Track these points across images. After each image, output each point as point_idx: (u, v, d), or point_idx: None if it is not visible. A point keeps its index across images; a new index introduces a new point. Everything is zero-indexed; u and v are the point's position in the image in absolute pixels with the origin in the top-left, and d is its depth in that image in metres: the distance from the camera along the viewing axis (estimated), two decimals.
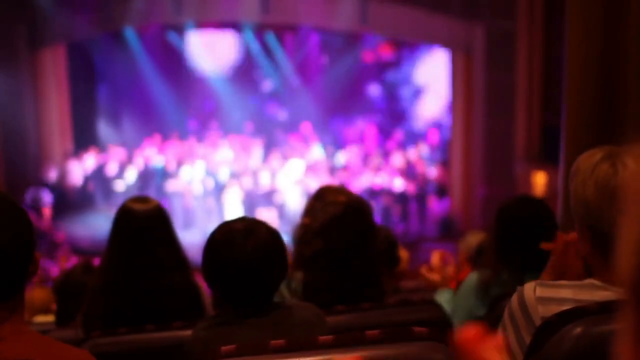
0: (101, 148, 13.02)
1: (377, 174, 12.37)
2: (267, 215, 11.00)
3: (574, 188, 1.53)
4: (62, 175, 12.46)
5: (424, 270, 3.13)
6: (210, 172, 12.33)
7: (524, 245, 2.56)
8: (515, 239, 2.63)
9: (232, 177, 12.09)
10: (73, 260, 9.20)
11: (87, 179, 12.55)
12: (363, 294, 2.42)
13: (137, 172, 12.47)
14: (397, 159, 12.72)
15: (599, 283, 1.52)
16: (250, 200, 11.83)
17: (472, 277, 2.82)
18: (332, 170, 12.53)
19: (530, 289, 1.55)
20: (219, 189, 12.11)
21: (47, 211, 11.42)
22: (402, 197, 12.05)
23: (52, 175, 12.32)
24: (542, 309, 1.51)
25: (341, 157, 12.94)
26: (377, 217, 11.37)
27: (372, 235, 2.46)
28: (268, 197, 12.01)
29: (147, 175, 12.42)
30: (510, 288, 2.28)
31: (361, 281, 2.43)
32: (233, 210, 11.41)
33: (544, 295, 1.53)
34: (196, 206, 11.97)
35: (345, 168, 12.65)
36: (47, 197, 11.66)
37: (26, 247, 1.50)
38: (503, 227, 2.70)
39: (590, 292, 1.52)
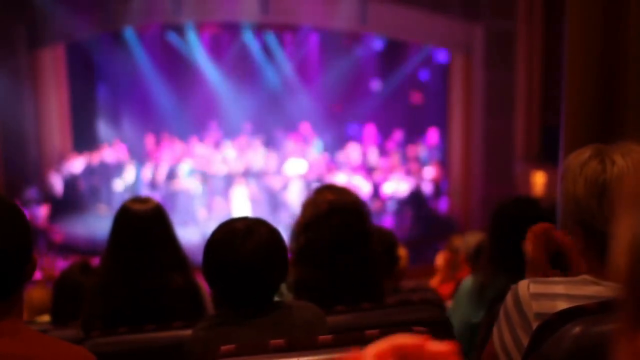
0: (101, 148, 13.02)
1: (376, 174, 12.38)
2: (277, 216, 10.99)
3: (565, 186, 1.55)
4: (61, 174, 12.45)
5: None
6: (209, 172, 12.34)
7: (520, 247, 2.54)
8: (512, 241, 2.61)
9: (235, 177, 12.10)
10: (59, 261, 9.22)
11: (86, 179, 12.55)
12: (358, 294, 2.41)
13: (136, 172, 12.48)
14: (396, 159, 12.72)
15: (591, 278, 1.54)
16: (254, 200, 11.84)
17: (466, 283, 2.80)
18: (332, 169, 12.53)
19: (524, 286, 1.56)
20: (220, 188, 12.11)
21: (44, 211, 11.43)
22: (401, 197, 12.05)
23: (52, 174, 12.32)
24: (535, 305, 1.52)
25: (340, 157, 12.93)
26: (377, 217, 11.40)
27: (363, 235, 2.45)
28: (271, 197, 12.02)
29: (149, 176, 12.43)
30: (507, 290, 2.28)
31: (353, 280, 2.43)
32: (240, 209, 11.41)
33: (537, 292, 1.54)
34: (196, 205, 11.98)
35: (344, 167, 12.65)
36: (45, 197, 11.66)
37: (24, 248, 1.51)
38: (499, 228, 2.68)
39: (583, 287, 1.53)
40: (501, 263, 2.64)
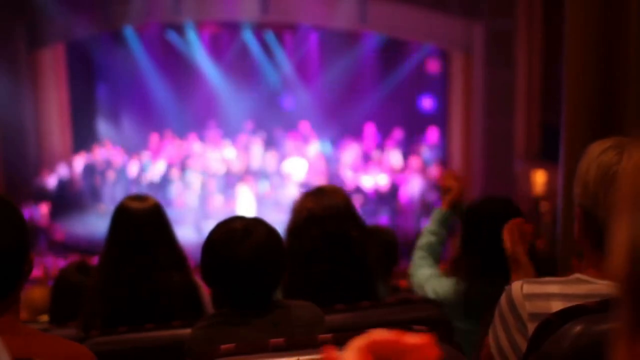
0: (101, 147, 13.02)
1: (376, 172, 12.37)
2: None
3: (579, 168, 1.55)
4: (62, 174, 12.46)
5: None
6: (209, 171, 12.34)
7: (495, 248, 2.47)
8: (487, 244, 2.52)
9: (238, 176, 12.12)
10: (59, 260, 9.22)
11: (85, 178, 12.55)
12: (346, 298, 2.41)
13: (136, 171, 12.48)
14: (396, 158, 12.72)
15: (584, 277, 1.54)
16: (258, 199, 11.85)
17: (446, 287, 2.71)
18: (331, 168, 12.54)
19: (517, 287, 1.56)
20: (219, 187, 12.12)
21: (44, 209, 11.43)
22: (400, 196, 12.05)
23: (52, 173, 12.32)
24: (529, 306, 1.52)
25: (340, 156, 12.94)
26: (375, 216, 11.40)
27: (345, 241, 2.45)
28: (272, 196, 12.03)
29: (148, 174, 12.43)
30: (486, 295, 2.26)
31: (338, 286, 2.43)
32: (244, 208, 11.40)
33: (531, 292, 1.54)
34: (197, 204, 11.98)
35: (343, 166, 12.65)
36: (45, 195, 11.67)
37: (21, 247, 1.51)
38: (473, 231, 2.63)
39: (576, 286, 1.53)
40: (479, 268, 2.58)
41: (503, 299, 1.58)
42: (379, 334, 0.63)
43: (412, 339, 0.62)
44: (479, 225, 2.60)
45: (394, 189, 12.10)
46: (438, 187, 3.35)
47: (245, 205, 11.55)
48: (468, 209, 2.72)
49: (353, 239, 2.45)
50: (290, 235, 2.45)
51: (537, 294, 1.53)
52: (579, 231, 1.58)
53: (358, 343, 0.63)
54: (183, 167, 12.42)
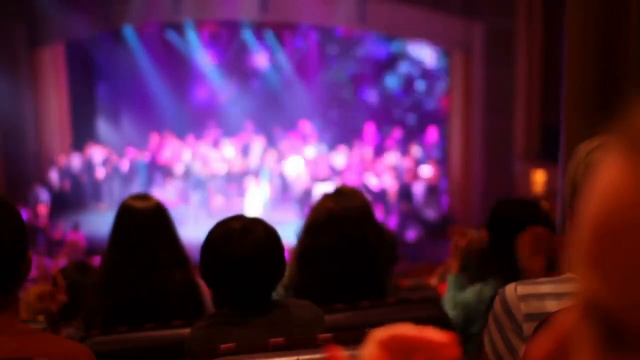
0: (100, 146, 13.02)
1: (375, 172, 12.38)
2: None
3: (568, 170, 1.56)
4: (61, 173, 12.45)
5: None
6: (209, 171, 12.34)
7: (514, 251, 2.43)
8: (508, 245, 2.44)
9: (238, 176, 12.13)
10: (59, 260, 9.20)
11: (83, 177, 12.55)
12: (356, 298, 2.42)
13: (135, 171, 12.48)
14: (395, 157, 12.71)
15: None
16: (263, 198, 11.87)
17: (472, 291, 2.69)
18: (330, 168, 12.54)
19: (511, 289, 1.56)
20: (219, 186, 12.12)
21: (44, 209, 11.42)
22: (400, 195, 12.05)
23: (51, 173, 12.32)
24: (524, 306, 1.53)
25: (339, 155, 12.94)
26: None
27: (362, 242, 2.46)
28: (274, 195, 12.04)
29: (148, 174, 12.43)
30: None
31: (349, 286, 2.44)
32: (253, 208, 11.41)
33: (525, 293, 1.54)
34: (197, 204, 11.98)
35: (343, 166, 12.65)
36: (44, 195, 11.66)
37: (19, 247, 1.51)
38: (496, 230, 2.60)
39: (568, 284, 1.53)
40: (495, 266, 2.56)
41: (497, 302, 1.59)
42: (401, 329, 0.62)
43: (434, 336, 0.61)
44: (507, 228, 2.51)
45: (393, 189, 12.10)
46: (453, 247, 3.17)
47: (255, 204, 11.56)
48: (495, 209, 2.67)
49: (369, 241, 2.47)
50: (307, 233, 2.47)
51: (531, 295, 1.54)
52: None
53: (378, 337, 0.63)
54: (183, 167, 12.41)
